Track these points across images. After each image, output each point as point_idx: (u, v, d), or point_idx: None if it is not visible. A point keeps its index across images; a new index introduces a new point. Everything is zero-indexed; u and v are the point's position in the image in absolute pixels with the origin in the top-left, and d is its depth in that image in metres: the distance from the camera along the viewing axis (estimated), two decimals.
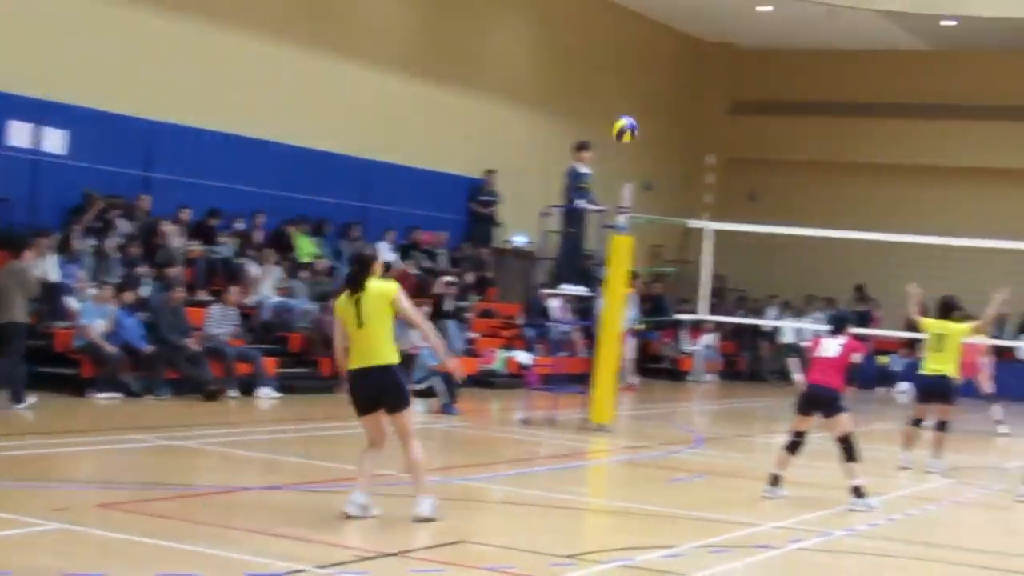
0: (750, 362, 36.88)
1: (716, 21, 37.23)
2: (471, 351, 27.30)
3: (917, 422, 18.35)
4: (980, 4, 33.86)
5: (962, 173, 38.03)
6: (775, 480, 14.86)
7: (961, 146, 37.93)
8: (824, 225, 28.05)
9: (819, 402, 14.70)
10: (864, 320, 34.33)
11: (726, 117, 40.94)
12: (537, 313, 27.69)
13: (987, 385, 23.94)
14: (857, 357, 14.90)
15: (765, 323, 34.95)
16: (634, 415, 24.09)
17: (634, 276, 28.73)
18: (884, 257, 34.15)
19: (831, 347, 14.83)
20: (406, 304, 11.95)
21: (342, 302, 12.07)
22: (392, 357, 11.93)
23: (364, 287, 11.93)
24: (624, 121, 20.34)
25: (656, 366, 34.07)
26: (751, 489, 15.37)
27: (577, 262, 21.87)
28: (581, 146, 21.13)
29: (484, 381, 26.63)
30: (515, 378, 26.66)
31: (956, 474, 18.32)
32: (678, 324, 33.67)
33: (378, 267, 12.32)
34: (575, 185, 20.88)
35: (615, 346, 21.39)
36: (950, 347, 17.94)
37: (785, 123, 39.93)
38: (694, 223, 24.46)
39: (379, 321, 11.88)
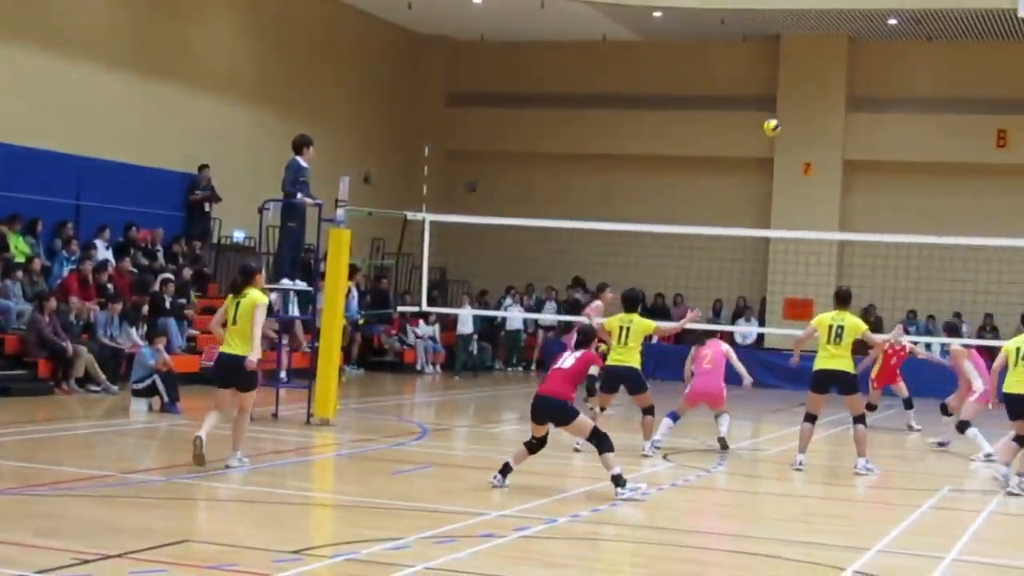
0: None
1: (430, 13, 37.32)
2: (193, 348, 26.96)
3: (601, 409, 18.78)
4: None
5: (676, 162, 38.91)
6: (505, 470, 14.97)
7: (674, 135, 38.77)
8: (543, 216, 28.45)
9: (548, 413, 14.90)
10: (579, 308, 34.97)
11: (444, 109, 41.17)
12: None
13: None
14: (594, 370, 15.17)
15: (451, 312, 35.27)
16: (358, 408, 24.07)
17: (355, 269, 28.75)
18: (603, 245, 34.85)
19: (568, 359, 15.15)
20: (257, 316, 15.23)
21: (228, 299, 15.63)
22: (247, 350, 15.24)
23: (244, 293, 15.40)
24: (773, 122, 22.98)
25: (380, 359, 34.12)
26: (476, 479, 15.51)
27: (296, 256, 21.80)
28: (303, 141, 21.04)
29: (207, 378, 26.27)
30: None
31: (676, 457, 18.79)
32: (401, 316, 33.76)
33: (260, 278, 15.88)
34: (295, 179, 20.79)
35: (336, 340, 21.39)
36: (634, 339, 18.40)
37: (503, 114, 40.32)
38: (413, 215, 24.54)
39: (247, 322, 15.24)
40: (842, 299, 18.50)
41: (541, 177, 39.78)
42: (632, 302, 18.65)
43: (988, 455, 20.29)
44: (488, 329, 37.50)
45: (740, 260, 36.50)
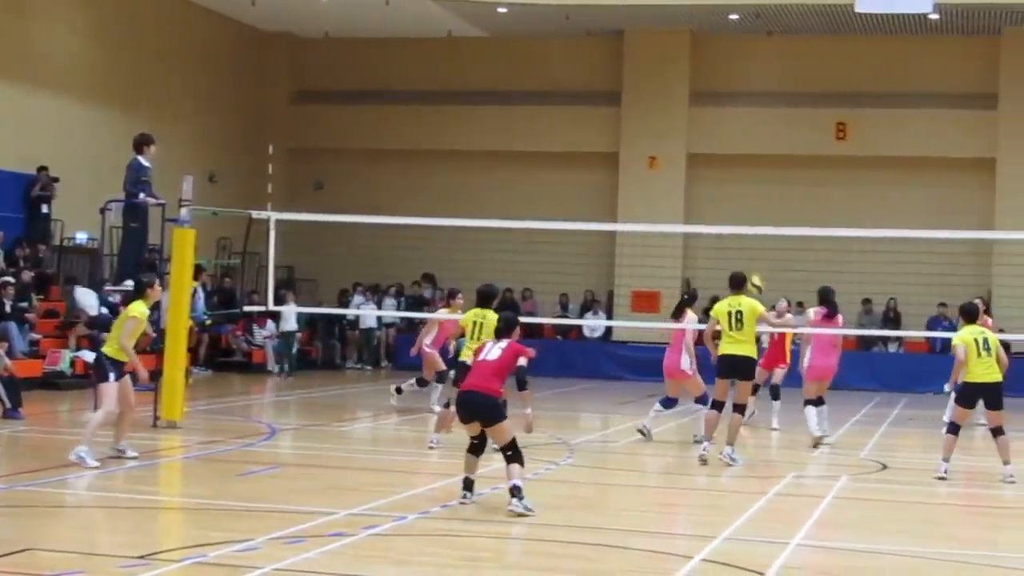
0: (324, 351, 37.12)
1: (274, 10, 37.07)
2: (35, 353, 26.54)
3: (447, 404, 18.67)
4: None
5: (522, 157, 39.05)
6: (468, 484, 14.16)
7: (520, 131, 38.91)
8: (392, 213, 28.41)
9: (475, 410, 13.91)
10: (426, 305, 35.19)
11: (289, 107, 40.91)
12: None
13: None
14: (523, 360, 14.13)
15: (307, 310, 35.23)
16: (206, 410, 23.86)
17: (200, 269, 28.49)
18: (452, 241, 34.90)
19: (493, 350, 14.19)
20: (125, 327, 16.27)
21: None
22: (107, 350, 16.36)
23: (130, 303, 16.64)
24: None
25: (228, 359, 33.89)
26: (325, 479, 15.46)
27: (140, 257, 21.56)
28: (143, 139, 20.81)
29: (50, 383, 25.95)
30: (83, 378, 26.01)
31: (525, 451, 18.82)
32: (248, 316, 33.53)
33: (153, 292, 16.93)
34: (137, 179, 20.56)
35: (182, 341, 21.20)
36: (487, 334, 17.71)
37: (349, 111, 40.14)
38: (258, 214, 24.35)
39: (118, 329, 16.44)
40: (736, 283, 18.27)
41: (388, 174, 39.70)
42: (487, 298, 18.26)
43: (818, 440, 20.42)
44: (339, 327, 37.52)
45: (587, 254, 36.78)
